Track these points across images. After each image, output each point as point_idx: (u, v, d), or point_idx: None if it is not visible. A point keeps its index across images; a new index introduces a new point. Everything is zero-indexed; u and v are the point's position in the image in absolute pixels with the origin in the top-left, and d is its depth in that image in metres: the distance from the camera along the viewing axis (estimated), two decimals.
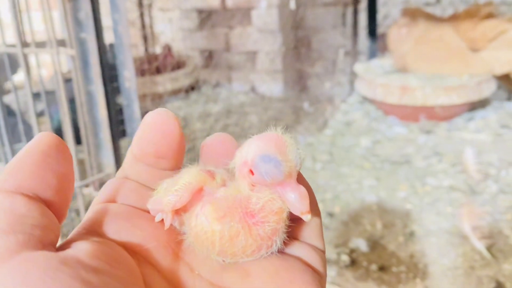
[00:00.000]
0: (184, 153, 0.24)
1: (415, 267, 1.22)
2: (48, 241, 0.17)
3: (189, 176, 0.22)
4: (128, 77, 1.10)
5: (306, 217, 0.21)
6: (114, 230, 0.21)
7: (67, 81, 1.17)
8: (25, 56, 1.13)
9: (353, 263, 1.25)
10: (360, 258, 1.27)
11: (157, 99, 2.73)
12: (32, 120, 1.18)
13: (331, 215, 1.48)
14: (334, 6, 2.90)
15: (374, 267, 1.22)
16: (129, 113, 1.13)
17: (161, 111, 0.22)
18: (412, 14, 2.27)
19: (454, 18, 2.20)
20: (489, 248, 1.26)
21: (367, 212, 1.49)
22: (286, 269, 0.21)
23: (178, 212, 0.22)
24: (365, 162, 1.83)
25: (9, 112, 1.51)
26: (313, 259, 0.23)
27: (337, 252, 1.29)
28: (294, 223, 0.22)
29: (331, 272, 1.20)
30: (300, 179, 0.22)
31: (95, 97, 1.12)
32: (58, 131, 1.29)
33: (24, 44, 1.10)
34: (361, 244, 1.31)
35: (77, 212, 1.66)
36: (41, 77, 1.17)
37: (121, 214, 0.22)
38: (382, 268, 1.22)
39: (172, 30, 3.24)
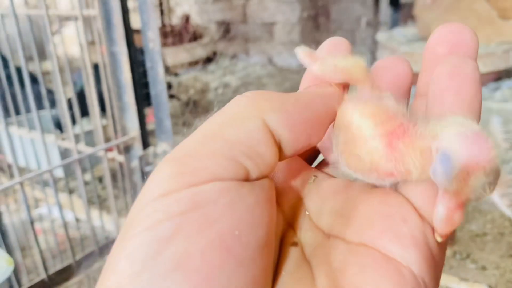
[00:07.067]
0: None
1: None
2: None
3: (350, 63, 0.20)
4: (151, 38, 1.08)
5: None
6: None
7: None
8: (50, 20, 1.11)
9: None
10: None
11: (174, 70, 2.71)
12: (58, 86, 1.18)
13: None
14: None
15: None
16: (153, 75, 1.11)
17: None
18: None
19: None
20: None
21: None
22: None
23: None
24: None
25: (32, 80, 1.51)
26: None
27: None
28: None
29: None
30: None
31: (118, 59, 1.10)
32: (81, 96, 1.29)
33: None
34: None
35: (100, 180, 1.67)
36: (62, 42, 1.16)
37: None
38: None
39: (188, 1, 3.20)
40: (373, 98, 0.19)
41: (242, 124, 0.17)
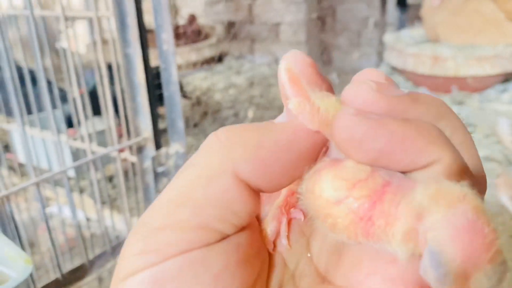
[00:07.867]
0: None
1: None
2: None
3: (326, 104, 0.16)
4: (166, 39, 1.09)
5: None
6: None
7: None
8: (66, 19, 1.12)
9: None
10: None
11: (181, 70, 2.72)
12: (73, 86, 1.18)
13: None
14: None
15: None
16: (167, 77, 1.12)
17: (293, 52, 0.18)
18: None
19: None
20: None
21: None
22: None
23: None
24: None
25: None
26: None
27: None
28: None
29: None
30: None
31: (132, 60, 1.11)
32: (94, 95, 1.29)
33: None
34: None
35: (110, 179, 1.68)
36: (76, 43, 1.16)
37: None
38: None
39: (195, 2, 3.20)
40: (339, 160, 0.16)
41: (213, 183, 0.15)
